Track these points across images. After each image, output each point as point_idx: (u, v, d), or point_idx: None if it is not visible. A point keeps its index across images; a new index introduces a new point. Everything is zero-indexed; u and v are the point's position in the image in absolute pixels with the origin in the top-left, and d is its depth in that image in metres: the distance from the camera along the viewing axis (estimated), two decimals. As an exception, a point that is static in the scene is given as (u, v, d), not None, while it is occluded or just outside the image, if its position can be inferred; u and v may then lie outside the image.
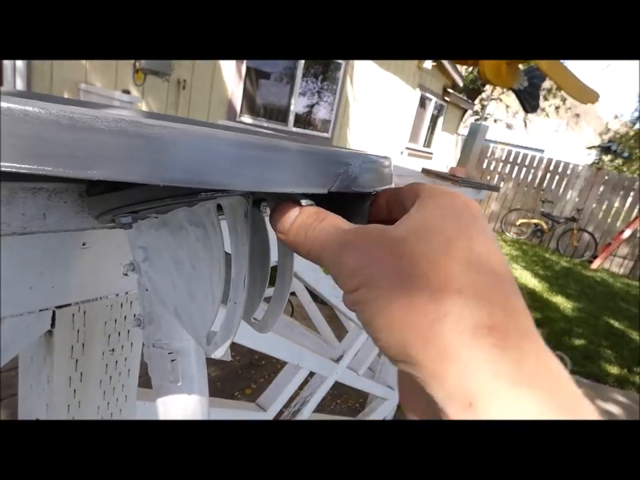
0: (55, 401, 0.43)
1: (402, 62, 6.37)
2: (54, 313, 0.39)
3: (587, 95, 1.13)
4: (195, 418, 0.32)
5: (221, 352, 0.28)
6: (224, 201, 0.27)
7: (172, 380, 0.31)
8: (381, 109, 6.42)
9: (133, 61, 3.26)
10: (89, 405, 0.46)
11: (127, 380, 0.49)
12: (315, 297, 1.62)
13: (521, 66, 1.28)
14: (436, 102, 7.79)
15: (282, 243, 0.24)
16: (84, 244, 0.38)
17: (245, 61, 4.25)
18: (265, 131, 1.98)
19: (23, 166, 0.14)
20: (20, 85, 2.66)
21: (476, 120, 12.70)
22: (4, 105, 0.14)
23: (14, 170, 0.14)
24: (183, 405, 0.32)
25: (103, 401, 0.47)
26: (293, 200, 0.23)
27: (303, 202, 0.22)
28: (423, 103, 7.46)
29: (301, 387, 1.01)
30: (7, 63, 2.62)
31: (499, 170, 7.83)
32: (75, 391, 0.44)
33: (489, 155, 7.88)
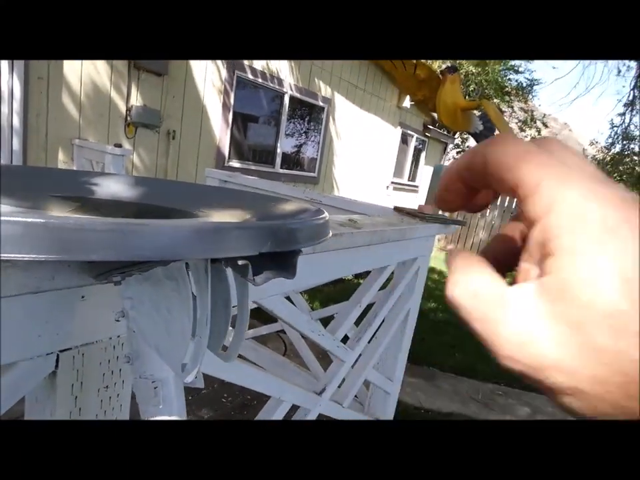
0: (57, 434, 0.50)
1: (382, 102, 6.70)
2: (58, 356, 0.46)
3: None
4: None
5: (191, 377, 0.36)
6: (190, 261, 0.36)
7: (155, 404, 0.39)
8: (364, 146, 6.68)
9: (124, 116, 3.44)
10: (86, 437, 0.53)
11: (120, 414, 0.56)
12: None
13: (475, 112, 1.42)
14: (417, 138, 8.11)
15: None
16: (83, 297, 0.47)
17: (231, 108, 4.47)
18: (249, 178, 2.10)
19: (50, 256, 0.23)
20: (16, 143, 2.80)
21: (457, 152, 13.15)
22: (40, 220, 0.23)
23: (45, 259, 0.23)
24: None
25: (98, 434, 0.54)
26: None
27: (240, 262, 0.31)
28: (404, 139, 7.77)
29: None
30: (4, 123, 2.77)
31: (484, 199, 8.06)
32: (74, 424, 0.51)
33: (472, 185, 8.13)
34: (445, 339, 3.49)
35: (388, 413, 1.58)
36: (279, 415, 0.92)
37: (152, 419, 0.39)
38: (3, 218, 0.23)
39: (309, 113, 5.68)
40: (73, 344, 0.48)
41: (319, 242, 0.39)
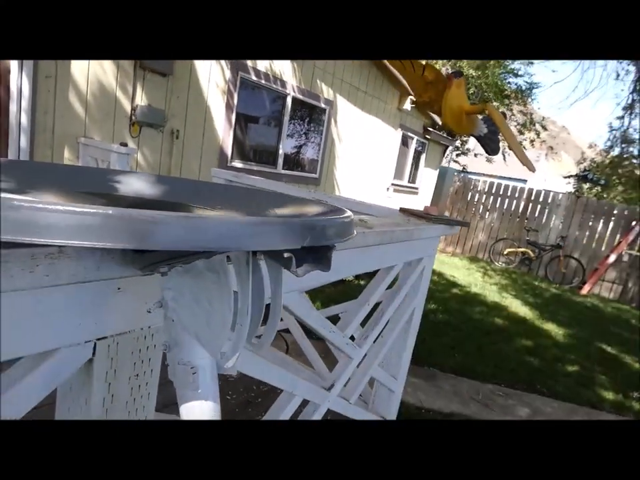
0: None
1: (383, 104, 6.73)
2: (95, 344, 0.49)
3: (526, 160, 1.32)
4: (210, 418, 0.42)
5: (231, 363, 0.39)
6: (232, 253, 0.38)
7: (193, 388, 0.42)
8: (365, 148, 6.72)
9: (129, 115, 3.46)
10: (117, 423, 0.55)
11: (147, 402, 0.58)
12: (308, 332, 1.70)
13: (479, 116, 1.45)
14: (417, 140, 8.15)
15: None
16: (119, 288, 0.49)
17: (234, 108, 4.50)
18: (255, 179, 2.12)
19: (128, 244, 0.26)
20: (24, 140, 2.82)
21: (457, 155, 13.19)
22: (110, 211, 0.25)
23: (118, 247, 0.26)
24: (200, 407, 0.42)
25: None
26: None
27: (285, 255, 0.33)
28: (405, 141, 7.80)
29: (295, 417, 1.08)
30: (12, 121, 2.79)
31: (483, 201, 8.11)
32: (107, 410, 0.53)
33: (471, 187, 8.19)
34: (445, 340, 3.51)
35: (392, 411, 1.60)
36: (290, 410, 0.94)
37: (189, 402, 0.42)
38: (83, 209, 0.25)
39: (311, 114, 5.71)
40: (109, 333, 0.50)
41: (348, 238, 0.42)
